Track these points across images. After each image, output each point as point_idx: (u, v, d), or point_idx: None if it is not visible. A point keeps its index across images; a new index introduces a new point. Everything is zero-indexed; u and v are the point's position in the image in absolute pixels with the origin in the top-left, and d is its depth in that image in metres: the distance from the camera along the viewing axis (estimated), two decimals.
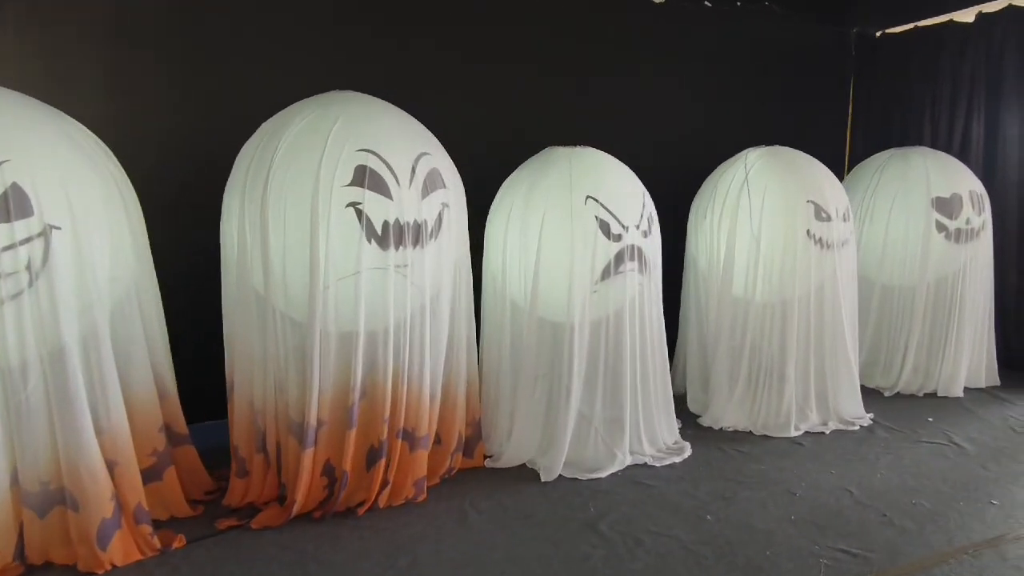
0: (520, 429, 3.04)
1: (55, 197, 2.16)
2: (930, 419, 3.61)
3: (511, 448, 3.04)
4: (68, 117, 2.44)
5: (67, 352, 2.18)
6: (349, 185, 2.50)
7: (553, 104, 4.00)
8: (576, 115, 4.09)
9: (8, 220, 2.06)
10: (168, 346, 2.69)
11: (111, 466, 2.29)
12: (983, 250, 4.01)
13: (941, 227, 3.92)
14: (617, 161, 3.21)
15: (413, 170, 2.63)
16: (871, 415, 3.62)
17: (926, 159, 4.01)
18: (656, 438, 3.18)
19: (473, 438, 3.08)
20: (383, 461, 2.65)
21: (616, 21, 4.18)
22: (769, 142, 4.52)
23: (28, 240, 2.10)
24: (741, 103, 4.68)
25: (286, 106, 2.73)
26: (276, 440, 2.65)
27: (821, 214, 3.39)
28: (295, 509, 2.54)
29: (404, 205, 2.58)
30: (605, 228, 2.94)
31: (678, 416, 3.56)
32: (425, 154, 2.69)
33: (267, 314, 2.58)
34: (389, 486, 2.67)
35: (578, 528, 2.51)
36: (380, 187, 2.54)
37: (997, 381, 4.14)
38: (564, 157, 3.09)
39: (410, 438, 2.72)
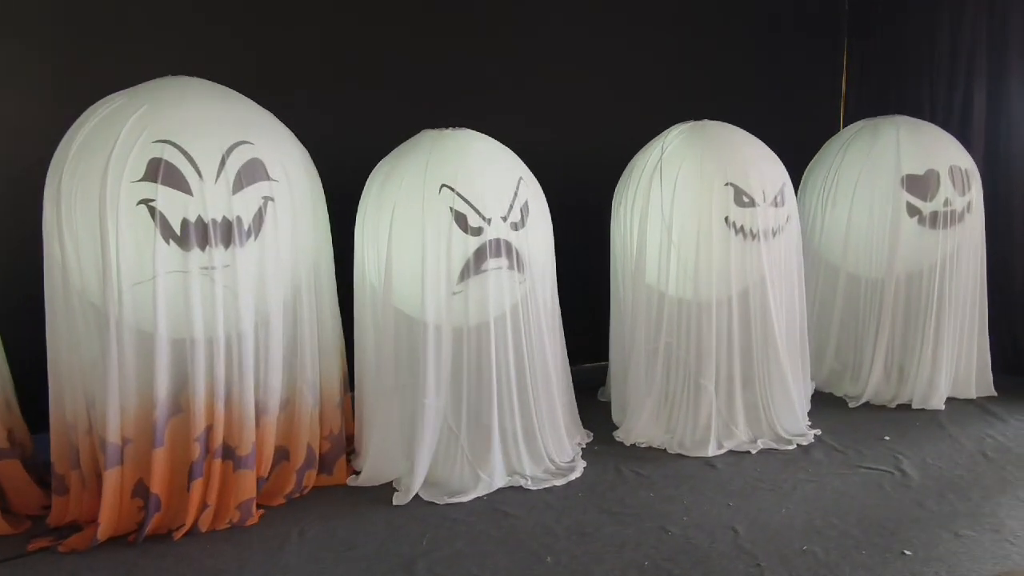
0: (378, 444, 2.74)
1: None
2: (886, 438, 3.06)
3: (369, 465, 2.75)
4: None
5: None
6: (140, 180, 2.26)
7: (461, 76, 3.65)
8: (500, 87, 3.74)
9: None
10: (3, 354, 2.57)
11: None
12: (970, 236, 3.37)
13: (913, 210, 3.31)
14: (496, 144, 2.84)
15: (223, 162, 2.36)
16: (816, 431, 3.11)
17: (899, 130, 3.40)
18: (541, 457, 2.81)
19: (332, 453, 2.81)
20: (200, 481, 2.42)
21: None
22: (751, 114, 4.03)
23: None
24: (714, 70, 4.17)
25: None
26: (91, 457, 2.47)
27: (742, 198, 2.90)
28: (100, 532, 2.34)
29: (208, 201, 2.32)
30: (461, 220, 2.59)
31: (594, 428, 3.19)
32: (242, 143, 2.42)
33: (74, 320, 2.39)
34: (209, 509, 2.44)
35: (392, 567, 2.19)
36: (177, 181, 2.29)
37: (992, 391, 3.50)
38: (429, 141, 2.74)
39: (232, 456, 2.48)
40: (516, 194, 2.70)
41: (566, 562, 2.18)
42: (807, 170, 3.71)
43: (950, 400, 3.44)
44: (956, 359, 3.42)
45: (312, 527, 2.46)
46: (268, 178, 2.47)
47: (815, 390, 3.62)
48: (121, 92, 2.47)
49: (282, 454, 2.67)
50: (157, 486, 2.38)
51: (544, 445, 2.82)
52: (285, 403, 2.65)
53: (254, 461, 2.52)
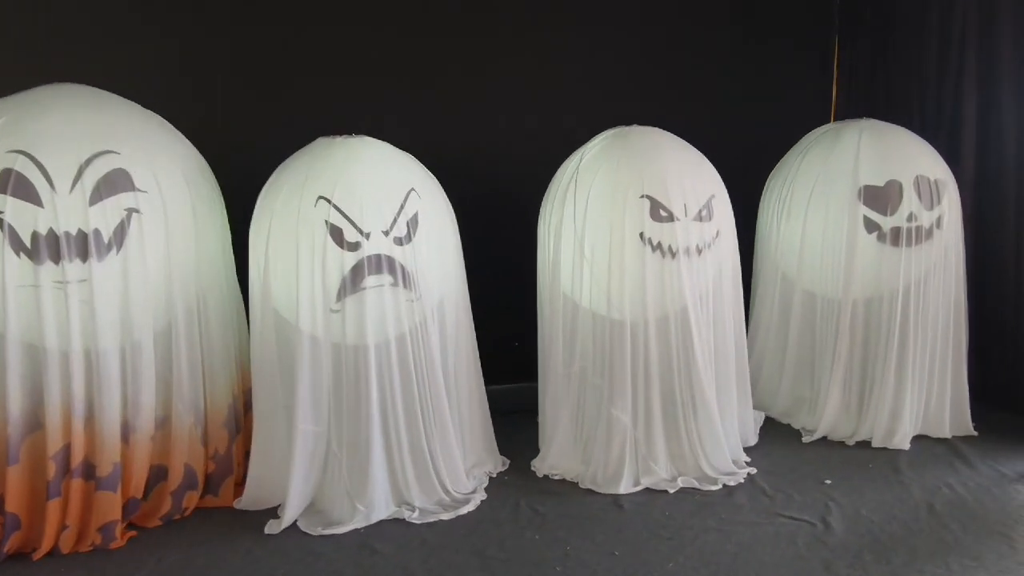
0: (258, 467, 2.62)
1: None
2: (827, 481, 2.73)
3: (249, 488, 2.63)
4: None
5: None
6: None
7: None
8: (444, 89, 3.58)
9: None
10: None
11: None
12: (942, 256, 2.98)
13: (872, 225, 2.95)
14: (392, 154, 2.67)
15: (80, 172, 2.28)
16: (751, 470, 2.80)
17: (861, 135, 3.04)
18: (434, 488, 2.62)
19: (218, 474, 2.70)
20: (58, 501, 2.34)
21: None
22: (733, 119, 3.79)
23: None
24: (694, 72, 3.88)
25: None
26: None
27: (659, 212, 2.63)
28: None
29: (60, 213, 2.24)
30: (337, 235, 2.43)
31: (524, 455, 2.98)
32: (105, 153, 2.33)
33: None
34: (69, 530, 2.36)
35: None
36: (27, 193, 2.22)
37: (970, 430, 3.10)
38: (319, 150, 2.60)
39: (93, 476, 2.39)
40: (403, 206, 2.52)
41: None
42: (769, 177, 3.39)
43: (920, 439, 3.06)
44: (926, 394, 3.04)
45: (173, 554, 2.35)
46: (134, 189, 2.38)
47: (770, 420, 3.31)
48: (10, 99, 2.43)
49: (160, 474, 2.58)
50: (13, 505, 2.32)
51: (437, 475, 2.64)
52: (162, 422, 2.55)
53: (118, 482, 2.43)
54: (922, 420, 3.07)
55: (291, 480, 2.49)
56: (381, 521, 2.52)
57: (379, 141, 2.71)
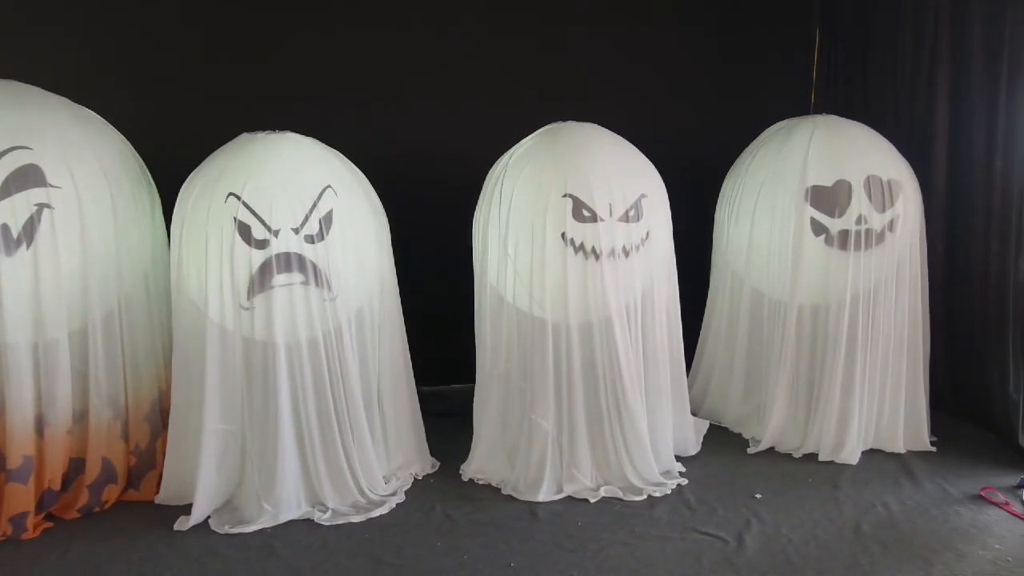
0: (173, 460, 2.61)
1: None
2: (758, 496, 2.61)
3: (166, 482, 2.63)
4: None
5: None
6: None
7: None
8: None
9: None
10: None
11: None
12: (896, 262, 2.81)
13: (819, 228, 2.80)
14: (315, 151, 2.63)
15: None
16: (679, 482, 2.69)
17: (814, 132, 2.87)
18: (349, 489, 2.59)
19: (139, 469, 2.71)
20: None
21: None
22: (702, 118, 3.67)
23: None
24: (663, 68, 3.75)
25: None
26: None
27: (582, 212, 2.53)
28: None
29: None
30: (245, 232, 2.40)
31: (447, 458, 2.93)
32: (15, 149, 2.34)
33: None
34: None
35: None
36: None
37: (927, 445, 2.93)
38: (238, 146, 2.57)
39: (3, 468, 2.42)
40: (316, 204, 2.48)
41: None
42: (727, 175, 3.25)
43: (872, 454, 2.91)
44: (878, 407, 2.88)
45: (79, 547, 2.37)
46: (46, 184, 2.39)
47: (722, 429, 3.19)
48: None
49: (78, 467, 2.60)
50: None
51: (353, 476, 2.60)
52: (80, 416, 2.57)
53: (29, 474, 2.45)
54: (874, 434, 2.91)
55: (198, 478, 2.48)
56: (291, 521, 2.50)
57: (304, 138, 2.67)
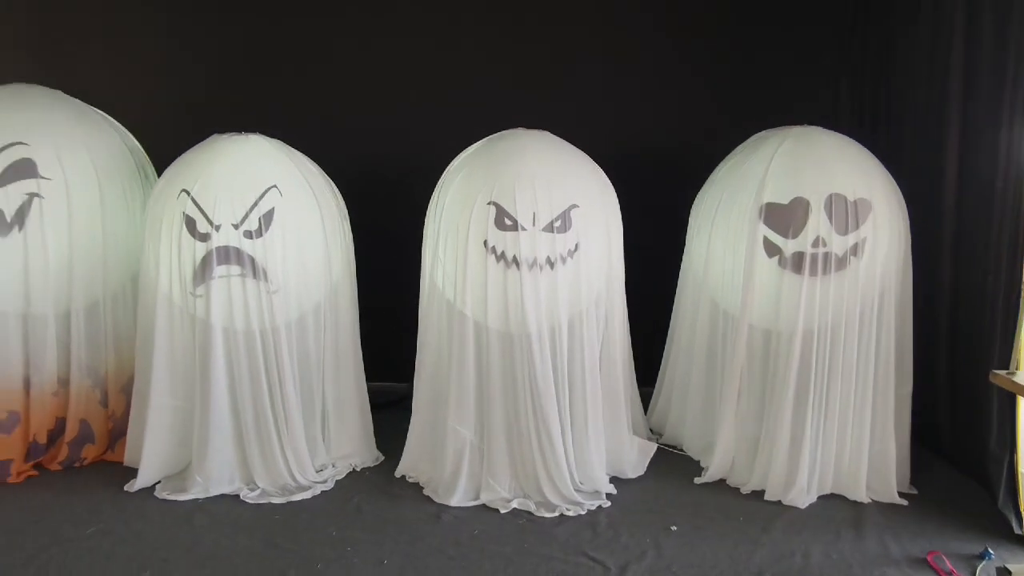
0: (133, 427, 2.87)
1: None
2: (674, 528, 2.45)
3: (128, 447, 2.90)
4: None
5: None
6: None
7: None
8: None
9: None
10: None
11: None
12: (862, 289, 2.51)
13: (772, 248, 2.57)
14: (270, 152, 2.79)
15: None
16: (602, 503, 2.59)
17: (781, 144, 2.64)
18: (279, 472, 2.74)
19: (115, 433, 3.03)
20: None
21: None
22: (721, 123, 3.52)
23: None
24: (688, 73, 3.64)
25: None
26: None
27: (504, 220, 2.51)
28: None
29: None
30: (191, 225, 2.62)
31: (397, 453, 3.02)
32: (14, 145, 2.71)
33: None
34: None
35: (34, 543, 2.32)
36: None
37: (894, 496, 2.61)
38: (204, 145, 2.80)
39: None
40: (258, 203, 2.64)
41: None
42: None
43: (831, 498, 2.64)
44: (838, 449, 2.61)
45: (42, 495, 2.68)
46: (37, 176, 2.73)
47: (686, 457, 3.03)
48: None
49: (61, 427, 2.95)
50: None
51: (285, 460, 2.75)
52: (64, 382, 2.92)
53: (13, 427, 2.82)
54: (833, 478, 2.64)
55: (144, 445, 2.74)
56: (224, 495, 2.69)
57: (268, 140, 2.85)
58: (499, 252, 2.53)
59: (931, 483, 2.75)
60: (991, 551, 2.24)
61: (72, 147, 2.84)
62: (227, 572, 2.19)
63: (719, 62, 3.66)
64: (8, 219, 2.70)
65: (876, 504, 2.61)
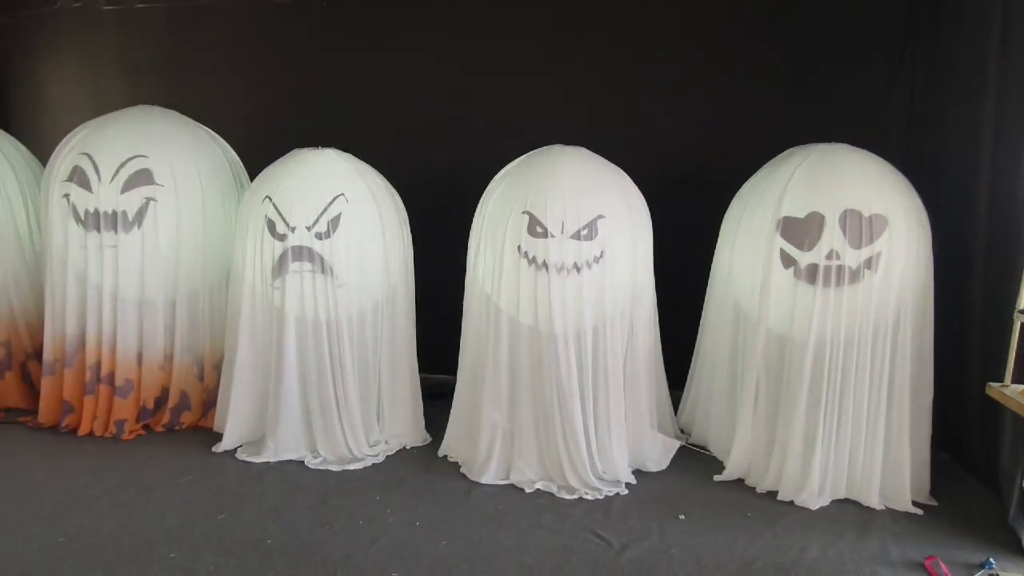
0: (221, 400, 3.36)
1: None
2: (682, 517, 2.63)
3: (217, 416, 3.39)
4: None
5: None
6: (65, 180, 3.25)
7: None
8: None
9: None
10: None
11: None
12: (877, 303, 2.60)
13: (788, 260, 2.69)
14: (341, 164, 3.20)
15: (117, 170, 3.23)
16: (620, 491, 2.81)
17: (804, 161, 2.76)
18: (339, 443, 3.13)
19: (208, 403, 3.54)
20: (91, 398, 3.36)
21: None
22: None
23: None
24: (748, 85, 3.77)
25: None
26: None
27: (536, 228, 2.78)
28: (39, 419, 3.45)
29: (102, 197, 3.21)
30: (271, 227, 3.06)
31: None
32: (137, 157, 3.26)
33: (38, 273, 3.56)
34: (99, 419, 3.37)
35: (112, 492, 2.79)
36: (84, 182, 3.22)
37: (907, 504, 2.66)
38: (286, 158, 3.25)
39: (112, 385, 3.36)
40: (327, 208, 3.05)
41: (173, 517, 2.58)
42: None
43: (845, 503, 2.74)
44: (851, 456, 2.69)
45: (148, 450, 3.21)
46: (153, 183, 3.27)
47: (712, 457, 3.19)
48: (96, 119, 3.51)
49: (165, 396, 3.49)
50: (68, 395, 3.39)
51: (343, 434, 3.14)
52: (168, 358, 3.45)
53: (130, 392, 3.38)
54: (847, 484, 2.73)
55: (228, 416, 3.21)
56: (290, 460, 3.12)
57: (340, 154, 3.26)
58: (531, 256, 2.81)
59: (952, 495, 2.78)
60: (992, 561, 2.29)
61: (182, 158, 3.37)
62: (286, 520, 2.59)
63: (768, 80, 3.77)
64: (130, 219, 3.26)
65: (889, 511, 2.69)
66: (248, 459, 3.12)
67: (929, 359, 2.71)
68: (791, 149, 3.00)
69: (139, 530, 2.50)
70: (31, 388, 3.76)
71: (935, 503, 2.74)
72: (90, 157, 3.25)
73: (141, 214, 3.27)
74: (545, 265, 2.80)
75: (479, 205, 3.11)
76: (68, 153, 3.30)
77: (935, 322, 2.77)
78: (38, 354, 3.72)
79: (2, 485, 2.83)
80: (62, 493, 2.77)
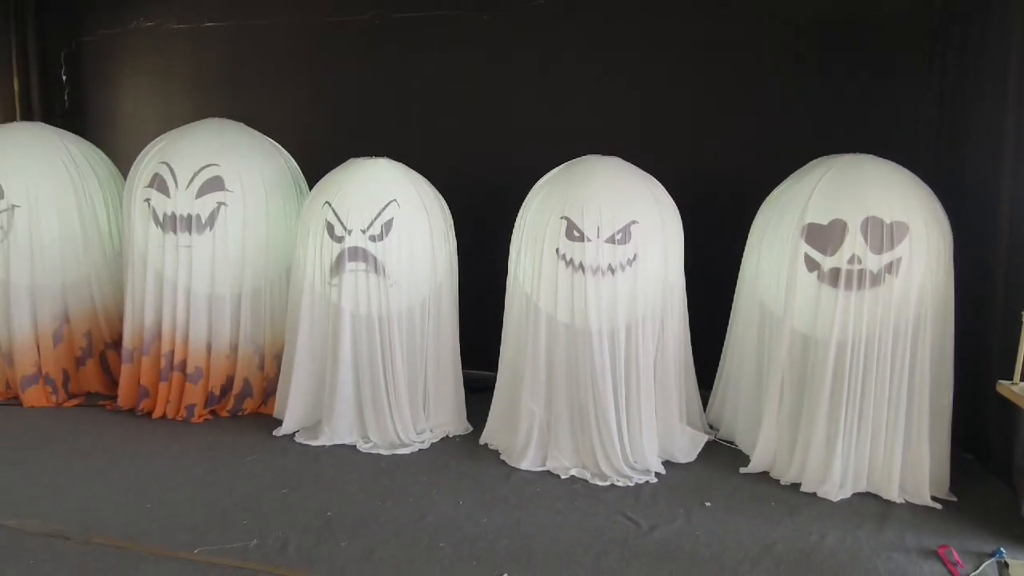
0: (281, 387, 3.65)
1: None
2: (708, 504, 2.81)
3: (277, 402, 3.68)
4: None
5: None
6: (147, 186, 3.59)
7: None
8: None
9: None
10: None
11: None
12: (898, 306, 2.73)
13: (812, 264, 2.84)
14: (392, 172, 3.47)
15: (192, 177, 3.55)
16: (649, 479, 3.00)
17: (829, 170, 2.92)
18: (388, 429, 3.39)
19: (268, 391, 3.84)
20: (165, 384, 3.69)
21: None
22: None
23: None
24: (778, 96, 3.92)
25: None
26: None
27: (573, 232, 2.99)
28: (118, 403, 3.79)
29: (179, 202, 3.54)
30: (330, 229, 3.34)
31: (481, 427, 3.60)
32: (210, 165, 3.58)
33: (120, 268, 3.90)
34: (172, 403, 3.70)
35: (198, 467, 3.11)
36: (163, 188, 3.56)
37: (926, 499, 2.79)
38: (344, 166, 3.53)
39: (184, 372, 3.68)
40: (381, 212, 3.32)
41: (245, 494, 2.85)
42: None
43: (865, 496, 2.87)
44: (872, 451, 2.83)
45: (213, 432, 3.51)
46: (224, 189, 3.59)
47: (729, 445, 3.36)
48: (173, 130, 3.85)
49: (230, 383, 3.80)
50: (144, 380, 3.73)
51: (392, 422, 3.40)
52: (233, 347, 3.77)
53: (200, 379, 3.70)
54: (867, 478, 2.87)
55: (288, 404, 3.50)
56: (344, 444, 3.39)
57: (393, 163, 3.54)
58: (568, 259, 3.03)
59: (973, 492, 2.90)
60: (1003, 551, 2.41)
61: (248, 167, 3.68)
62: (341, 496, 2.85)
63: (797, 93, 3.90)
64: (203, 221, 3.58)
65: (908, 504, 2.82)
66: (305, 442, 3.40)
67: (949, 360, 2.84)
68: (817, 159, 3.15)
69: (213, 501, 2.79)
70: (108, 375, 4.14)
71: (954, 499, 2.86)
72: (168, 165, 3.58)
73: (213, 217, 3.59)
74: (581, 267, 3.01)
75: (520, 211, 3.34)
76: (149, 162, 3.65)
77: (959, 324, 2.90)
78: (116, 344, 4.11)
79: (91, 461, 3.16)
80: (143, 468, 3.08)
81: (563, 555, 2.43)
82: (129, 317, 3.74)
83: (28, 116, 5.04)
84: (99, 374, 4.13)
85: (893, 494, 2.83)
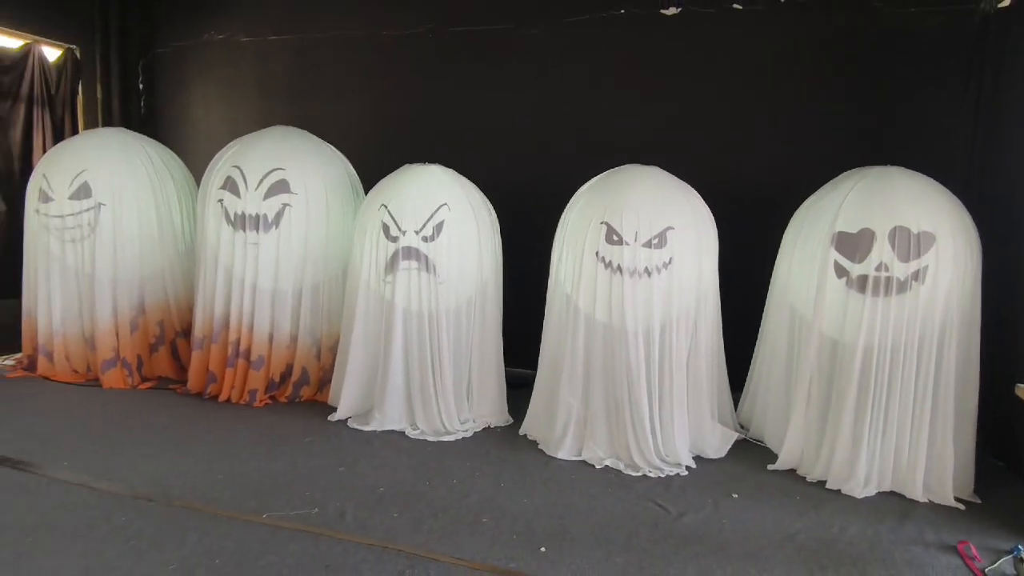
0: (336, 377, 3.92)
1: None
2: (735, 495, 2.96)
3: (332, 391, 3.95)
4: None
5: None
6: (220, 188, 3.92)
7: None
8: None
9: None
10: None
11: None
12: (923, 312, 2.85)
13: (841, 271, 2.98)
14: (444, 177, 3.72)
15: (261, 180, 3.86)
16: (680, 471, 3.16)
17: (860, 181, 3.05)
18: (434, 418, 3.62)
19: (324, 380, 4.12)
20: (231, 370, 4.00)
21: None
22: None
23: None
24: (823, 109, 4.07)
25: None
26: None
27: (612, 237, 3.19)
28: (188, 387, 4.13)
29: (248, 203, 3.85)
30: (385, 230, 3.60)
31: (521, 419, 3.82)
32: (276, 169, 3.88)
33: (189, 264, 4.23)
34: (236, 389, 4.01)
35: (257, 453, 3.40)
36: (234, 189, 3.88)
37: (949, 499, 2.89)
38: (398, 171, 3.80)
39: (248, 359, 3.98)
40: (432, 215, 3.57)
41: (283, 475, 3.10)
42: None
43: (889, 494, 2.99)
44: (897, 451, 2.95)
45: (272, 417, 3.79)
46: (289, 191, 3.89)
47: (759, 443, 3.50)
48: (244, 137, 4.18)
49: (289, 371, 4.10)
50: (212, 366, 4.05)
51: (439, 411, 3.64)
52: (293, 339, 4.06)
53: (262, 367, 4.00)
54: (892, 477, 2.98)
55: (342, 391, 3.76)
56: (394, 431, 3.64)
57: (444, 169, 3.79)
58: (607, 261, 3.22)
59: (997, 495, 2.99)
60: (1021, 547, 2.51)
61: (311, 171, 3.98)
62: (391, 473, 3.10)
63: (834, 106, 4.03)
64: (269, 221, 3.89)
65: (931, 503, 2.92)
66: (358, 427, 3.66)
67: (975, 365, 2.94)
68: (849, 171, 3.29)
69: (277, 474, 3.07)
70: (177, 361, 4.48)
71: (978, 500, 2.95)
72: (240, 169, 3.90)
73: (279, 217, 3.90)
74: (620, 269, 3.20)
75: (562, 216, 3.55)
76: (223, 166, 3.98)
77: (988, 332, 3.00)
78: (185, 333, 4.46)
79: (166, 436, 3.48)
80: (213, 444, 3.38)
81: (597, 534, 2.62)
82: (200, 308, 4.07)
83: (109, 122, 5.48)
84: (169, 360, 4.48)
85: (917, 494, 2.94)
